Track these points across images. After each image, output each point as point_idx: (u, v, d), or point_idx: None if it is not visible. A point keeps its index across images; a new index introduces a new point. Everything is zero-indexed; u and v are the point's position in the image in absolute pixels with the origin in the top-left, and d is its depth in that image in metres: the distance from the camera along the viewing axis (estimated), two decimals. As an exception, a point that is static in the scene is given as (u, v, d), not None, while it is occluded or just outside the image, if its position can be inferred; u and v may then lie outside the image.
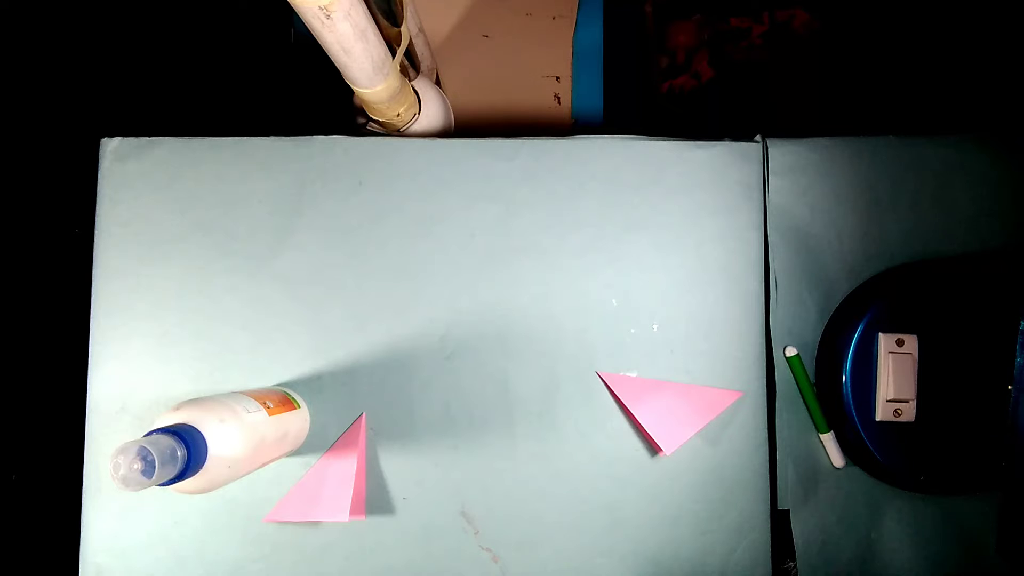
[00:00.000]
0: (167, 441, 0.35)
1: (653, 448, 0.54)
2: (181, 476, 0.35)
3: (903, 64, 1.04)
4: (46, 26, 0.69)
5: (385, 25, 0.57)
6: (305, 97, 1.08)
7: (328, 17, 0.47)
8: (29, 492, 0.65)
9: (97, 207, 0.54)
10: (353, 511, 0.50)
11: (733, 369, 0.55)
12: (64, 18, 0.71)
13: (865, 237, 0.56)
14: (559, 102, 1.01)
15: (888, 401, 0.52)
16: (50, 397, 0.66)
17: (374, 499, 0.53)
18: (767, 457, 0.54)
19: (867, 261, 0.56)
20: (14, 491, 0.64)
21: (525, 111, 1.01)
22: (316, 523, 0.52)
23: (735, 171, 0.56)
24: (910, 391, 0.52)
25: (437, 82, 0.92)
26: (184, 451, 0.35)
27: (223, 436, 0.39)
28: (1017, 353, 0.46)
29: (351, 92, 0.58)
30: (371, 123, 0.65)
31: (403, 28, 0.60)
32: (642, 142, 0.56)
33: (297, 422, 0.50)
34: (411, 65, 0.78)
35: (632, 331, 0.55)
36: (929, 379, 0.53)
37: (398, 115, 0.62)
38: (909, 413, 0.52)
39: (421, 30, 0.82)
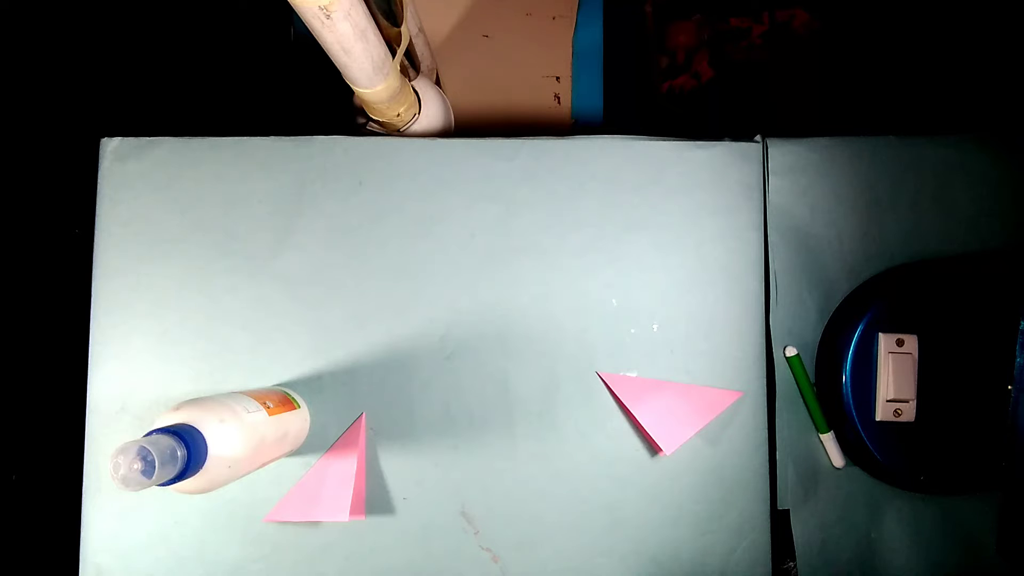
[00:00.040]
0: (167, 441, 0.35)
1: (653, 448, 0.54)
2: (181, 476, 0.35)
3: (903, 64, 1.04)
4: (46, 26, 0.69)
5: (385, 25, 0.57)
6: (305, 97, 1.08)
7: (328, 17, 0.47)
8: (29, 492, 0.65)
9: (97, 207, 0.54)
10: (353, 511, 0.50)
11: (733, 369, 0.55)
12: (64, 18, 0.71)
13: (865, 237, 0.56)
14: (559, 102, 1.01)
15: (888, 401, 0.52)
16: (50, 397, 0.66)
17: (374, 499, 0.53)
18: (767, 457, 0.54)
19: (867, 261, 0.56)
20: (14, 491, 0.64)
21: (525, 111, 1.01)
22: (316, 523, 0.52)
23: (735, 171, 0.56)
24: (910, 391, 0.52)
25: (437, 82, 0.92)
26: (184, 451, 0.35)
27: (223, 436, 0.39)
28: (1017, 353, 0.46)
29: (351, 92, 0.58)
30: (371, 123, 0.65)
31: (403, 28, 0.60)
32: (642, 142, 0.56)
33: (297, 422, 0.50)
34: (411, 65, 0.78)
35: (632, 331, 0.55)
36: (929, 379, 0.53)
37: (398, 115, 0.62)
38: (909, 413, 0.52)
39: (421, 30, 0.82)
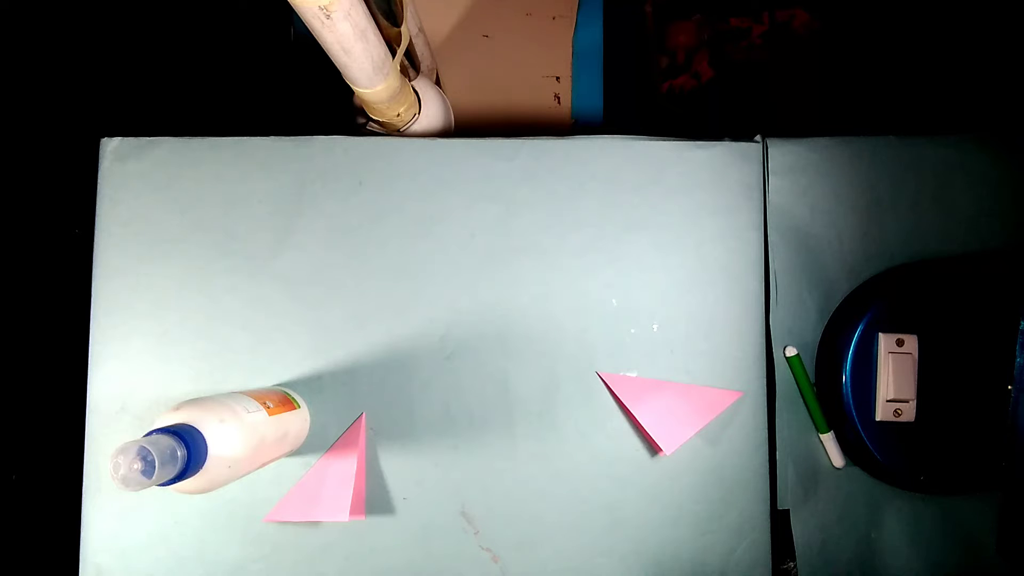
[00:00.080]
0: (167, 441, 0.35)
1: (653, 448, 0.54)
2: (181, 476, 0.35)
3: (903, 64, 1.04)
4: (46, 26, 0.69)
5: (385, 25, 0.57)
6: (305, 97, 1.08)
7: (328, 17, 0.47)
8: (29, 492, 0.65)
9: (97, 207, 0.54)
10: (353, 511, 0.50)
11: (733, 369, 0.55)
12: (64, 18, 0.71)
13: (865, 237, 0.56)
14: (559, 102, 1.01)
15: (888, 401, 0.52)
16: (50, 397, 0.66)
17: (374, 499, 0.53)
18: (767, 457, 0.54)
19: (867, 261, 0.56)
20: (14, 491, 0.64)
21: (525, 111, 1.01)
22: (316, 523, 0.52)
23: (735, 171, 0.56)
24: (910, 391, 0.52)
25: (437, 82, 0.92)
26: (184, 451, 0.35)
27: (223, 436, 0.39)
28: (1017, 353, 0.46)
29: (351, 92, 0.58)
30: (371, 123, 0.65)
31: (403, 28, 0.60)
32: (642, 142, 0.56)
33: (297, 422, 0.50)
34: (411, 65, 0.78)
35: (632, 331, 0.55)
36: (929, 379, 0.53)
37: (398, 115, 0.62)
38: (909, 413, 0.52)
39: (421, 30, 0.82)
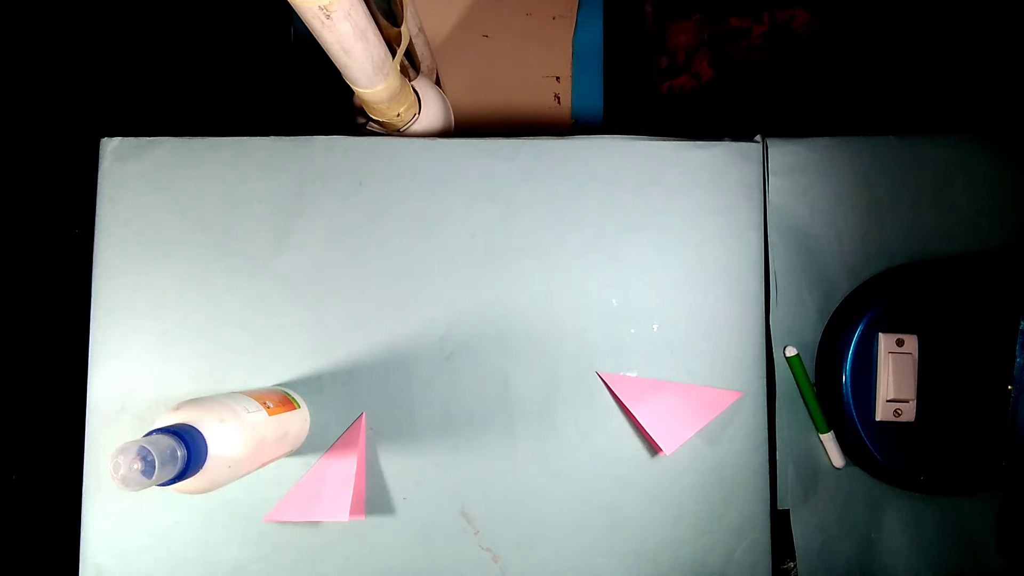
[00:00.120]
0: (167, 441, 0.35)
1: (653, 448, 0.54)
2: (181, 476, 0.35)
3: (903, 64, 1.04)
4: (46, 26, 0.69)
5: (385, 25, 0.57)
6: (305, 97, 1.08)
7: (328, 17, 0.47)
8: (29, 492, 0.65)
9: (97, 207, 0.54)
10: (353, 511, 0.50)
11: (733, 369, 0.55)
12: (64, 18, 0.71)
13: (865, 237, 0.56)
14: (559, 102, 1.01)
15: (888, 401, 0.52)
16: (50, 397, 0.66)
17: (374, 499, 0.53)
18: (767, 457, 0.54)
19: (867, 261, 0.56)
20: (14, 491, 0.64)
21: (525, 111, 1.01)
22: (316, 523, 0.52)
23: (735, 171, 0.56)
24: (910, 391, 0.52)
25: (437, 82, 0.92)
26: (184, 451, 0.35)
27: (223, 436, 0.39)
28: (1017, 353, 0.47)
29: (351, 92, 0.58)
30: (371, 123, 0.65)
31: (403, 28, 0.60)
32: (642, 142, 0.56)
33: (297, 422, 0.50)
34: (411, 65, 0.78)
35: (632, 331, 0.55)
36: (929, 379, 0.53)
37: (398, 115, 0.62)
38: (909, 413, 0.52)
39: (421, 30, 0.82)
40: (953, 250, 0.56)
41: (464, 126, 0.89)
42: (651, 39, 1.14)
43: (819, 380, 0.55)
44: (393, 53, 0.59)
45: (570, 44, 1.01)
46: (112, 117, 0.75)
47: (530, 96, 1.01)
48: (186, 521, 0.52)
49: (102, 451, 0.53)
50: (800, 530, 0.54)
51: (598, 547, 0.53)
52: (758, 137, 0.57)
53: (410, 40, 0.65)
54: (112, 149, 0.55)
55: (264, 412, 0.44)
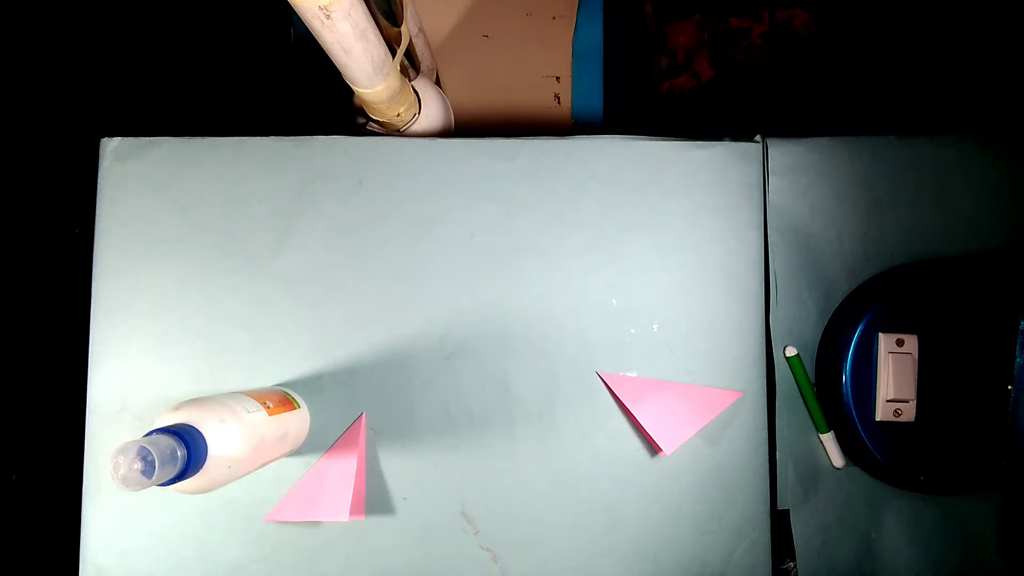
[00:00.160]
0: (167, 441, 0.35)
1: (653, 448, 0.54)
2: (181, 476, 0.35)
3: (903, 64, 1.04)
4: (46, 26, 0.69)
5: (385, 25, 0.57)
6: (305, 97, 1.08)
7: (328, 17, 0.47)
8: (29, 492, 0.65)
9: (97, 207, 0.54)
10: (353, 511, 0.50)
11: (733, 369, 0.55)
12: (64, 18, 0.71)
13: (865, 237, 0.56)
14: (559, 102, 1.01)
15: (888, 401, 0.52)
16: (50, 397, 0.66)
17: (374, 499, 0.53)
18: (767, 457, 0.54)
19: (867, 261, 0.56)
20: (14, 491, 0.64)
21: (525, 111, 1.01)
22: (316, 523, 0.52)
23: (735, 171, 0.56)
24: (910, 391, 0.52)
25: (437, 82, 0.92)
26: (184, 451, 0.35)
27: (223, 436, 0.39)
28: (1017, 353, 0.47)
29: (351, 92, 0.58)
30: (371, 123, 0.65)
31: (403, 28, 0.60)
32: (642, 142, 0.56)
33: (297, 422, 0.50)
34: (411, 65, 0.78)
35: (632, 331, 0.55)
36: (929, 379, 0.53)
37: (398, 115, 0.62)
38: (909, 413, 0.52)
39: (421, 30, 0.82)
40: (953, 250, 0.56)
41: (464, 126, 0.89)
42: (651, 39, 1.14)
43: (819, 380, 0.55)
44: (393, 53, 0.59)
45: (570, 44, 1.01)
46: (112, 117, 0.75)
47: (530, 96, 1.01)
48: (186, 521, 0.52)
49: (102, 451, 0.53)
50: (800, 530, 0.54)
51: (598, 547, 0.53)
52: (758, 137, 0.57)
53: (410, 40, 0.65)
54: (112, 149, 0.55)
55: (264, 412, 0.44)
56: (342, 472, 0.51)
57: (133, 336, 0.53)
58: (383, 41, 0.55)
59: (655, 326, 0.55)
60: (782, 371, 0.55)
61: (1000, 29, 0.95)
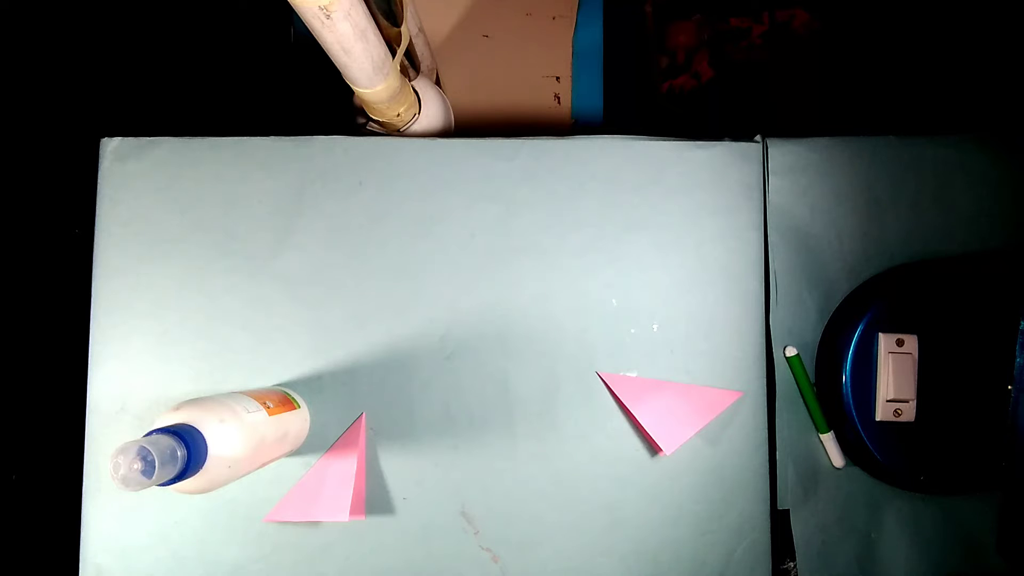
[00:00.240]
0: (167, 441, 0.35)
1: (653, 448, 0.54)
2: (181, 476, 0.35)
3: (903, 64, 1.04)
4: (46, 26, 0.69)
5: (385, 25, 0.57)
6: (305, 97, 1.08)
7: (328, 17, 0.47)
8: (29, 492, 0.65)
9: (97, 207, 0.54)
10: (353, 511, 0.50)
11: (733, 369, 0.55)
12: (64, 18, 0.71)
13: (865, 237, 0.56)
14: (559, 102, 1.01)
15: (888, 401, 0.52)
16: (50, 397, 0.66)
17: (374, 499, 0.53)
18: (767, 457, 0.54)
19: (867, 261, 0.56)
20: (14, 491, 0.64)
21: (525, 111, 1.01)
22: (316, 523, 0.52)
23: (735, 171, 0.56)
24: (910, 391, 0.52)
25: (437, 82, 0.92)
26: (184, 451, 0.35)
27: (223, 436, 0.39)
28: (1017, 353, 0.47)
29: (351, 92, 0.58)
30: (371, 123, 0.65)
31: (403, 28, 0.60)
32: (642, 142, 0.56)
33: (297, 422, 0.50)
34: (411, 65, 0.78)
35: (632, 331, 0.55)
36: (929, 379, 0.53)
37: (398, 115, 0.62)
38: (909, 413, 0.52)
39: (421, 30, 0.82)
40: (953, 250, 0.56)
41: (464, 126, 0.89)
42: (651, 39, 1.14)
43: (819, 380, 0.55)
44: (393, 53, 0.59)
45: (570, 44, 1.01)
46: (112, 117, 0.75)
47: (530, 96, 1.01)
48: (186, 521, 0.52)
49: (102, 451, 0.53)
50: (800, 530, 0.54)
51: (598, 547, 0.53)
52: (758, 137, 0.57)
53: (410, 40, 0.65)
54: (112, 149, 0.55)
55: (264, 412, 0.44)
56: (342, 472, 0.51)
57: (133, 336, 0.53)
58: (383, 41, 0.55)
59: (655, 326, 0.55)
60: (782, 371, 0.55)
61: (1000, 29, 0.95)
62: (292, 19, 1.09)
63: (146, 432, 0.37)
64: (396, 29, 0.59)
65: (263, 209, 0.55)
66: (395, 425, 0.54)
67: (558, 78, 1.01)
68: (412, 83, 0.66)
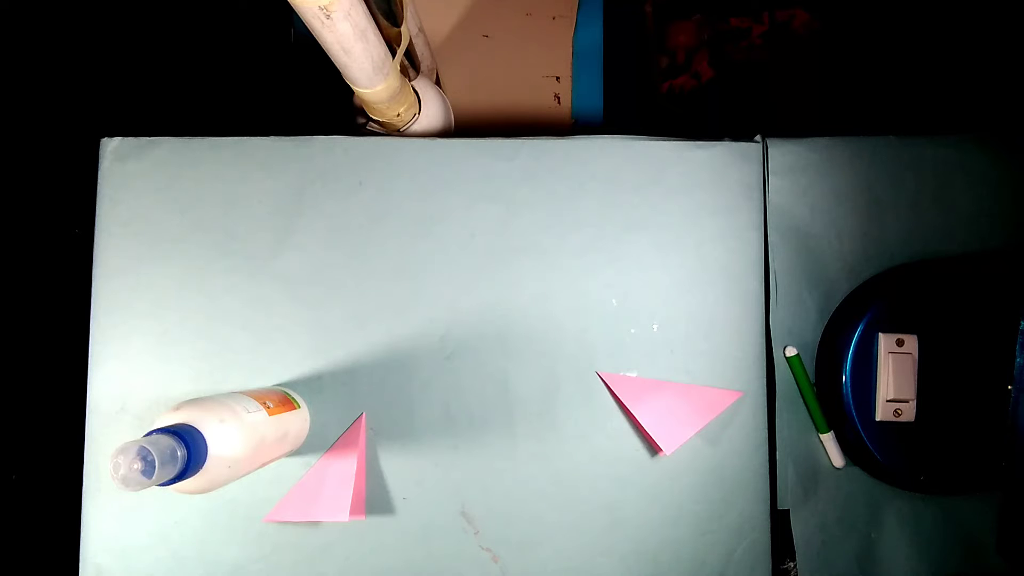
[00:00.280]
0: (167, 441, 0.35)
1: (653, 448, 0.54)
2: (181, 476, 0.35)
3: (903, 64, 1.04)
4: (46, 26, 0.69)
5: (385, 25, 0.57)
6: (305, 97, 1.08)
7: (328, 17, 0.47)
8: (29, 492, 0.65)
9: (97, 207, 0.54)
10: (353, 511, 0.50)
11: (733, 369, 0.55)
12: (64, 18, 0.71)
13: (865, 237, 0.56)
14: (559, 102, 1.01)
15: (888, 401, 0.52)
16: (50, 397, 0.66)
17: (374, 499, 0.53)
18: (767, 457, 0.54)
19: (867, 261, 0.56)
20: (14, 491, 0.64)
21: (525, 111, 1.01)
22: (316, 523, 0.52)
23: (735, 171, 0.56)
24: (910, 391, 0.52)
25: (437, 82, 0.92)
26: (184, 451, 0.35)
27: (223, 436, 0.39)
28: (1017, 353, 0.47)
29: (351, 92, 0.58)
30: (371, 123, 0.65)
31: (403, 28, 0.60)
32: (642, 142, 0.56)
33: (297, 422, 0.50)
34: (411, 65, 0.78)
35: (632, 331, 0.55)
36: (929, 379, 0.53)
37: (398, 115, 0.62)
38: (909, 413, 0.52)
39: (421, 30, 0.82)
40: (953, 250, 0.56)
41: (464, 126, 0.89)
42: (651, 39, 1.14)
43: (819, 380, 0.55)
44: (393, 53, 0.59)
45: (570, 44, 1.01)
46: (112, 117, 0.75)
47: (530, 96, 1.01)
48: (186, 521, 0.52)
49: (102, 451, 0.53)
50: (800, 530, 0.54)
51: (598, 547, 0.53)
52: (758, 137, 0.57)
53: (410, 40, 0.65)
54: (112, 149, 0.55)
55: (264, 412, 0.44)
56: (342, 472, 0.51)
57: (133, 336, 0.53)
58: (383, 41, 0.55)
59: (655, 326, 0.55)
60: (782, 371, 0.55)
61: (1000, 29, 0.95)
62: (292, 19, 1.09)
63: (146, 432, 0.37)
64: (396, 29, 0.59)
65: (263, 209, 0.55)
66: (395, 425, 0.54)
67: (558, 78, 1.01)
68: (412, 83, 0.66)
